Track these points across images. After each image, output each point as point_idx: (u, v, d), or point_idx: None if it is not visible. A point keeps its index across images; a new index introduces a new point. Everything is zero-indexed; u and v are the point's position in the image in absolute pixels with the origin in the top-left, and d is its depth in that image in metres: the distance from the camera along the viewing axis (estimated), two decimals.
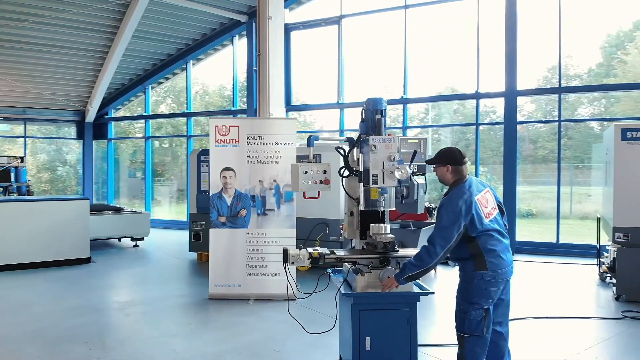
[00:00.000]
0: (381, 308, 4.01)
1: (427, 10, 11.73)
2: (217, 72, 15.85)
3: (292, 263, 4.07)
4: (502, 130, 10.60)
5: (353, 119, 14.16)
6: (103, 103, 14.83)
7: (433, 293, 3.99)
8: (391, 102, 12.45)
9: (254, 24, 12.72)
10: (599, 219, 8.32)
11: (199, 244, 9.59)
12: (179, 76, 14.99)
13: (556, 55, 10.22)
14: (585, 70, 13.83)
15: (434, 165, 3.95)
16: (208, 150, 9.77)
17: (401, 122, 12.06)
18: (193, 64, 14.22)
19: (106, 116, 15.48)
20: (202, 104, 17.53)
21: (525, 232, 12.24)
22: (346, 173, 4.50)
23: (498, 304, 3.80)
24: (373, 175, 4.05)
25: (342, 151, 4.46)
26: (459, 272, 3.89)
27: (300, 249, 4.12)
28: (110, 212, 10.85)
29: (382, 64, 13.17)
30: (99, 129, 15.52)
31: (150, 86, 14.90)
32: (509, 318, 3.95)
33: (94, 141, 15.61)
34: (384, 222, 4.29)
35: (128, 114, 16.42)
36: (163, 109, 17.17)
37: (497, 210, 3.86)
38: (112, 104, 15.24)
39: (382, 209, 4.23)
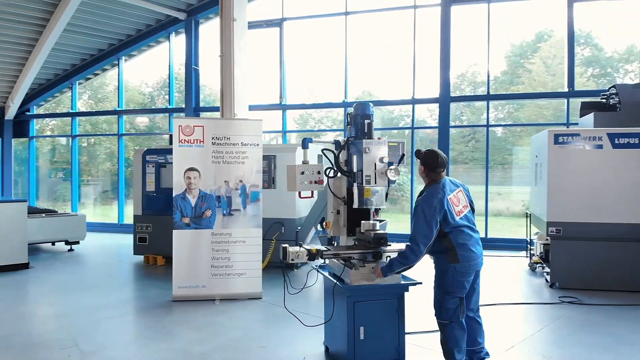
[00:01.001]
0: (373, 299, 4.30)
1: (366, 17, 12.24)
2: (150, 69, 15.40)
3: (292, 260, 4.23)
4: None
5: (294, 120, 14.41)
6: (25, 99, 13.86)
7: (421, 283, 4.35)
8: (334, 105, 12.87)
9: (192, 22, 12.64)
10: (528, 215, 9.20)
11: (144, 246, 9.36)
12: (109, 72, 14.40)
13: (464, 64, 11.07)
14: (492, 78, 14.90)
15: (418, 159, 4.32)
16: (154, 149, 9.64)
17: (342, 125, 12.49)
18: (125, 60, 13.72)
19: (28, 113, 14.49)
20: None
21: None
22: (331, 173, 4.72)
23: (470, 292, 4.22)
24: (366, 176, 4.33)
25: (330, 153, 4.69)
26: (434, 265, 4.29)
27: (300, 247, 4.28)
28: (44, 215, 10.25)
29: (324, 67, 13.49)
30: (20, 127, 14.48)
31: (77, 82, 14.17)
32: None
33: (13, 139, 14.54)
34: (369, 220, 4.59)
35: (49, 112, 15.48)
36: (80, 106, 16.32)
37: (469, 208, 4.29)
38: (34, 100, 14.30)
39: (374, 207, 4.49)
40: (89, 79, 14.70)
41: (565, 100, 11.06)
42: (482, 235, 10.90)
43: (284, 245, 4.30)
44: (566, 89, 10.96)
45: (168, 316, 6.10)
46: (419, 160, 4.27)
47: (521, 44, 15.54)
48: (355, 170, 4.34)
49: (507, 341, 5.13)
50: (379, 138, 4.48)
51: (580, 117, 8.59)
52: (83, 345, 5.00)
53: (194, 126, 6.81)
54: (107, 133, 15.87)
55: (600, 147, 7.26)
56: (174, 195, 6.80)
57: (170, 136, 10.51)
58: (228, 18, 7.06)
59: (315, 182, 4.54)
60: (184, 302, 6.61)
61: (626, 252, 7.08)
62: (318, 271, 4.82)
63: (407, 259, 4.03)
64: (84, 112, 14.94)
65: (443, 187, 4.13)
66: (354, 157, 4.35)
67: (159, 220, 9.23)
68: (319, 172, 4.56)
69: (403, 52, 11.85)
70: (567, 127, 10.61)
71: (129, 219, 13.35)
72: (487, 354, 4.41)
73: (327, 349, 4.85)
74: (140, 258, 9.45)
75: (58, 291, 7.39)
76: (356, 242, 4.51)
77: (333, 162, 4.60)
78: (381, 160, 4.34)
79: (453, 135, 15.38)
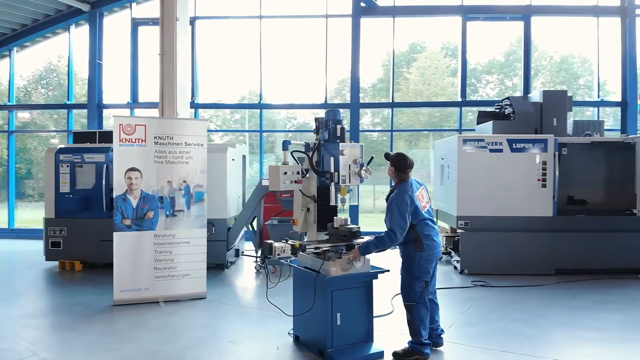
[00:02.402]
0: (348, 287, 4.72)
1: (280, 22, 12.58)
2: (44, 61, 14.22)
3: (278, 255, 4.48)
4: None
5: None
6: None
7: (389, 271, 4.86)
8: (249, 106, 13.01)
9: (97, 14, 12.00)
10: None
11: (58, 251, 8.78)
12: None
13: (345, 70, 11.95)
14: (369, 85, 16.11)
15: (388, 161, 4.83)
16: (68, 148, 9.07)
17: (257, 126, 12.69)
18: (17, 51, 12.55)
19: None
20: None
21: None
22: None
23: (430, 277, 4.85)
24: (342, 176, 4.73)
25: (303, 155, 5.01)
26: (400, 254, 4.84)
27: (286, 242, 4.54)
28: None
29: (239, 68, 13.54)
30: None
31: None
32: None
33: None
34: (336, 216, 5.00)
35: None
36: None
37: (430, 204, 4.92)
38: None
39: (344, 205, 4.90)
40: None
41: (459, 109, 12.39)
42: None
43: (269, 242, 4.53)
44: (459, 99, 12.29)
45: (118, 320, 5.92)
46: (388, 161, 4.77)
47: (397, 54, 16.87)
48: (332, 170, 4.71)
49: (443, 322, 5.82)
50: (351, 142, 4.92)
51: (478, 124, 9.79)
52: (44, 354, 4.75)
53: (135, 125, 6.65)
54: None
55: (500, 150, 8.40)
56: (114, 197, 6.57)
57: (74, 133, 9.95)
58: (170, 17, 6.99)
59: (295, 182, 4.81)
60: (127, 306, 6.43)
61: (524, 241, 8.27)
62: (291, 265, 5.08)
63: (383, 244, 4.52)
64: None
65: (411, 185, 4.69)
66: (331, 159, 4.72)
67: (74, 224, 8.72)
68: (298, 172, 4.85)
69: (299, 57, 12.42)
70: (460, 133, 11.95)
71: (21, 223, 12.27)
72: (442, 330, 5.06)
73: (296, 338, 5.14)
74: (54, 264, 8.83)
75: None
76: (330, 237, 4.88)
77: (308, 163, 4.91)
78: (355, 161, 4.78)
79: None
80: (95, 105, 11.97)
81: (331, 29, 12.13)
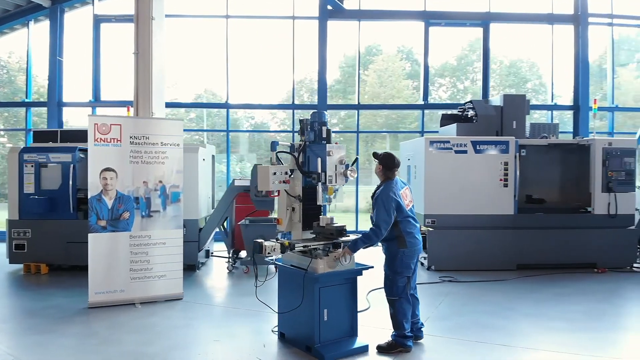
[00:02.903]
0: (335, 284, 4.87)
1: (247, 23, 12.57)
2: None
3: (269, 253, 4.57)
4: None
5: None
6: None
7: (372, 267, 5.05)
8: (216, 105, 12.94)
9: (58, 10, 11.66)
10: None
11: (23, 254, 8.49)
12: None
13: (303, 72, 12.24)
14: (329, 85, 16.22)
15: (376, 160, 5.01)
16: (33, 148, 8.82)
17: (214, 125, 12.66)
18: None
19: None
20: None
21: None
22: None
23: (412, 273, 5.07)
24: (329, 176, 4.88)
25: (291, 155, 5.12)
26: (384, 251, 5.04)
27: (276, 241, 4.63)
28: None
29: (196, 66, 13.41)
30: None
31: None
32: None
33: None
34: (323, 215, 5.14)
35: None
36: None
37: (413, 203, 5.15)
38: None
39: (329, 204, 5.04)
40: None
41: (421, 111, 12.78)
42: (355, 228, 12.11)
43: (259, 240, 4.62)
44: (420, 102, 12.67)
45: (96, 322, 5.83)
46: (376, 160, 4.96)
47: (354, 55, 17.20)
48: (319, 171, 4.84)
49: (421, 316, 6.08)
50: (335, 143, 5.07)
51: (441, 126, 10.16)
52: (25, 358, 4.65)
53: (110, 124, 6.56)
54: None
55: (465, 152, 8.77)
56: (89, 197, 6.46)
57: (34, 133, 9.64)
58: (145, 17, 6.92)
59: (284, 182, 4.91)
60: (103, 308, 6.34)
61: (487, 238, 8.66)
62: (276, 264, 5.17)
63: (370, 240, 4.70)
64: None
65: (396, 184, 4.90)
66: (318, 159, 4.85)
67: (40, 225, 8.46)
68: (286, 173, 4.95)
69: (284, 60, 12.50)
70: (422, 135, 12.33)
71: None
72: (422, 324, 5.29)
73: (281, 335, 5.24)
74: (18, 267, 8.54)
75: None
76: (317, 235, 5.01)
77: (295, 164, 5.02)
78: (341, 162, 4.93)
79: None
80: (55, 103, 11.62)
81: (291, 31, 12.23)
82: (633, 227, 8.74)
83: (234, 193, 8.68)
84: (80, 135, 9.89)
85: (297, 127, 11.67)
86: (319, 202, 4.89)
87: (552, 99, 12.59)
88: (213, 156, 10.10)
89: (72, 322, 5.83)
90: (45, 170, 8.52)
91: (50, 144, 9.00)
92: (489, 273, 8.32)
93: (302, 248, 4.73)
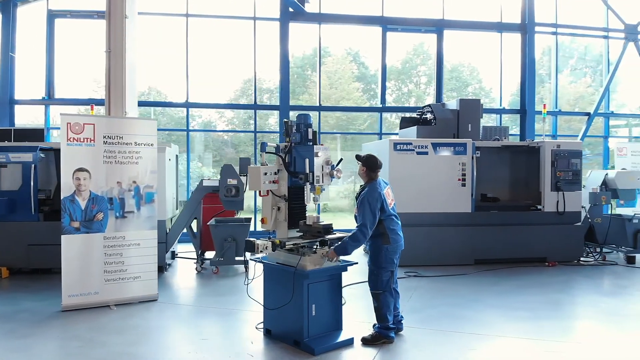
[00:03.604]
0: (322, 280, 5.07)
1: (207, 22, 12.51)
2: None
3: (261, 252, 4.71)
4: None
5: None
6: None
7: (357, 263, 5.29)
8: (176, 105, 12.77)
9: (11, 4, 11.19)
10: None
11: None
12: None
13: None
14: (275, 86, 16.38)
15: (359, 162, 5.24)
16: None
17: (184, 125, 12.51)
18: None
19: None
20: None
21: None
22: None
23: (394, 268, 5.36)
24: (316, 176, 5.07)
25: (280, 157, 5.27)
26: (368, 247, 5.30)
27: (268, 239, 4.77)
28: None
29: (164, 66, 13.18)
30: None
31: None
32: None
33: None
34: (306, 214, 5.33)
35: None
36: None
37: (394, 202, 5.43)
38: None
39: (318, 203, 5.24)
40: None
41: (379, 114, 13.19)
42: None
43: (251, 239, 4.74)
44: (380, 105, 13.09)
45: (75, 325, 5.72)
46: (360, 162, 5.20)
47: (301, 57, 17.43)
48: (307, 171, 5.02)
49: None
50: (321, 144, 5.26)
51: (400, 129, 10.57)
52: None
53: (84, 124, 6.45)
54: None
55: (426, 153, 9.20)
56: (62, 198, 6.32)
57: None
58: (117, 14, 6.83)
59: (273, 182, 5.05)
60: (77, 311, 6.23)
61: (447, 235, 9.13)
62: (264, 263, 5.29)
63: (358, 240, 4.94)
64: None
65: (379, 184, 5.16)
66: (306, 160, 5.03)
67: None
68: (275, 173, 5.10)
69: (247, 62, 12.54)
70: (380, 138, 12.75)
71: None
72: (402, 317, 5.58)
73: (267, 332, 5.37)
74: None
75: None
76: (304, 234, 5.18)
77: (282, 164, 5.17)
78: (327, 162, 5.14)
79: (242, 139, 16.61)
80: (7, 100, 11.13)
81: (241, 31, 12.31)
82: (580, 224, 9.48)
83: (202, 193, 8.69)
84: (35, 134, 9.59)
85: (259, 128, 11.77)
86: (307, 202, 5.07)
87: (501, 104, 13.34)
88: (176, 156, 10.03)
89: (50, 326, 5.71)
90: (5, 170, 8.19)
91: (6, 143, 8.65)
92: (449, 268, 8.78)
93: (291, 246, 4.89)
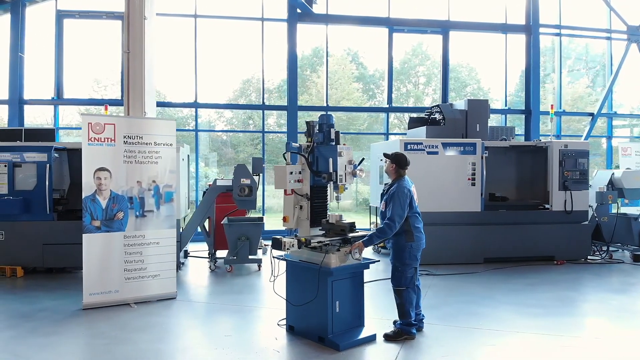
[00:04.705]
0: (346, 277, 5.16)
1: (212, 23, 12.58)
2: None
3: (288, 249, 4.80)
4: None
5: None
6: None
7: (379, 261, 5.40)
8: (185, 105, 12.85)
9: (20, 4, 11.24)
10: (371, 207, 10.98)
11: None
12: None
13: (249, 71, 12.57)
14: (275, 86, 16.43)
15: (387, 159, 5.34)
16: (6, 147, 8.49)
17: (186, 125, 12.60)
18: None
19: None
20: None
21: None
22: None
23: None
24: (340, 175, 5.17)
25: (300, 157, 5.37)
26: (392, 244, 5.38)
27: (295, 237, 4.87)
28: None
29: (173, 66, 13.26)
30: None
31: None
32: None
33: None
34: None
35: None
36: None
37: (418, 200, 5.53)
38: None
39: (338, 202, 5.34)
40: None
41: (386, 114, 13.30)
42: None
43: (278, 237, 4.84)
44: (387, 105, 13.20)
45: (98, 323, 5.80)
46: (389, 159, 5.31)
47: (301, 57, 17.50)
48: (330, 170, 5.12)
49: None
50: (343, 144, 5.36)
51: (409, 129, 10.69)
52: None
53: (104, 124, 6.53)
54: None
55: (436, 153, 9.32)
56: (83, 197, 6.40)
57: None
58: (136, 15, 6.90)
59: (298, 181, 5.15)
60: (99, 309, 6.31)
61: (457, 233, 9.25)
62: (287, 260, 5.38)
63: (384, 233, 5.05)
64: None
65: (407, 181, 5.27)
66: (330, 160, 5.13)
67: (13, 227, 8.16)
68: (299, 172, 5.19)
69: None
70: (387, 138, 12.87)
71: None
72: (424, 316, 5.68)
73: (290, 328, 5.46)
74: None
75: None
76: (327, 232, 5.28)
77: (305, 164, 5.27)
78: (350, 162, 5.24)
79: (242, 139, 16.73)
80: (16, 100, 11.19)
81: (244, 32, 12.41)
82: (587, 223, 9.61)
83: (215, 193, 8.77)
84: (45, 134, 9.64)
85: (257, 128, 11.75)
86: (330, 201, 5.17)
87: (506, 104, 13.47)
88: (188, 156, 10.11)
89: (74, 324, 5.79)
90: (20, 170, 8.26)
91: (17, 143, 8.71)
92: (459, 266, 8.89)
93: (316, 244, 4.99)
